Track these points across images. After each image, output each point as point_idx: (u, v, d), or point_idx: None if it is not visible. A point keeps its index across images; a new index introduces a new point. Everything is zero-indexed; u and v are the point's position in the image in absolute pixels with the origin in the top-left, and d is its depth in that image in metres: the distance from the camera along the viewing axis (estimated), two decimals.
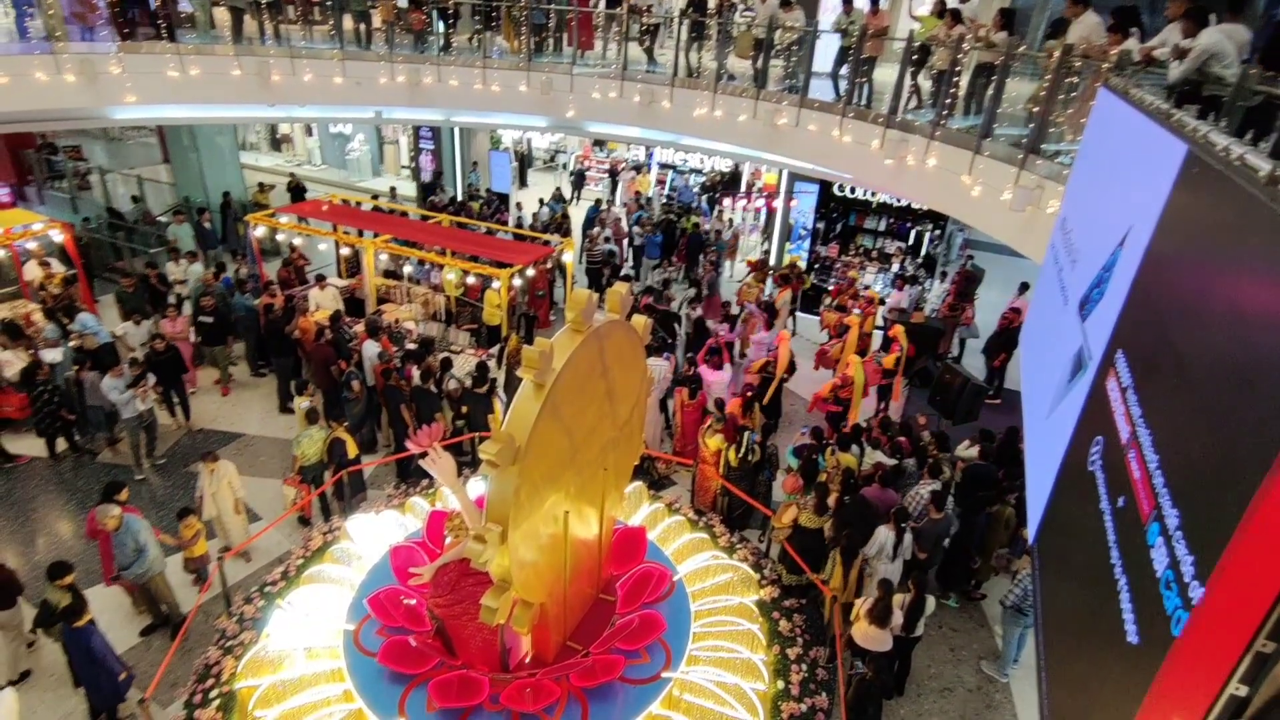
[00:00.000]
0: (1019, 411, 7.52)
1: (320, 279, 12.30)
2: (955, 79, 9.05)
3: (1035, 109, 7.74)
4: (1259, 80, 4.35)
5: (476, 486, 7.01)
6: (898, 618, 6.55)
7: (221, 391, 11.30)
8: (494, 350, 11.10)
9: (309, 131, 23.87)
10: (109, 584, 7.03)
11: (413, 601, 5.85)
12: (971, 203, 8.56)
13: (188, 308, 11.90)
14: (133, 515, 6.95)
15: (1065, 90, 7.42)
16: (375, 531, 6.93)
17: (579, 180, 21.63)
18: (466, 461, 9.34)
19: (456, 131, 19.63)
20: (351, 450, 8.40)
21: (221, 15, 12.44)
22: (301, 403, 9.14)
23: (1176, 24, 6.02)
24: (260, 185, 17.69)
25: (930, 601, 6.67)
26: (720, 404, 9.08)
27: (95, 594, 7.14)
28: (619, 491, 6.23)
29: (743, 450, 8.39)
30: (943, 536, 7.58)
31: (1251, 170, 2.77)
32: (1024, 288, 12.24)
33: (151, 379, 9.28)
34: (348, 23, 12.78)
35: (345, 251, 13.16)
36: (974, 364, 12.62)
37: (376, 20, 12.89)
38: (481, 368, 9.39)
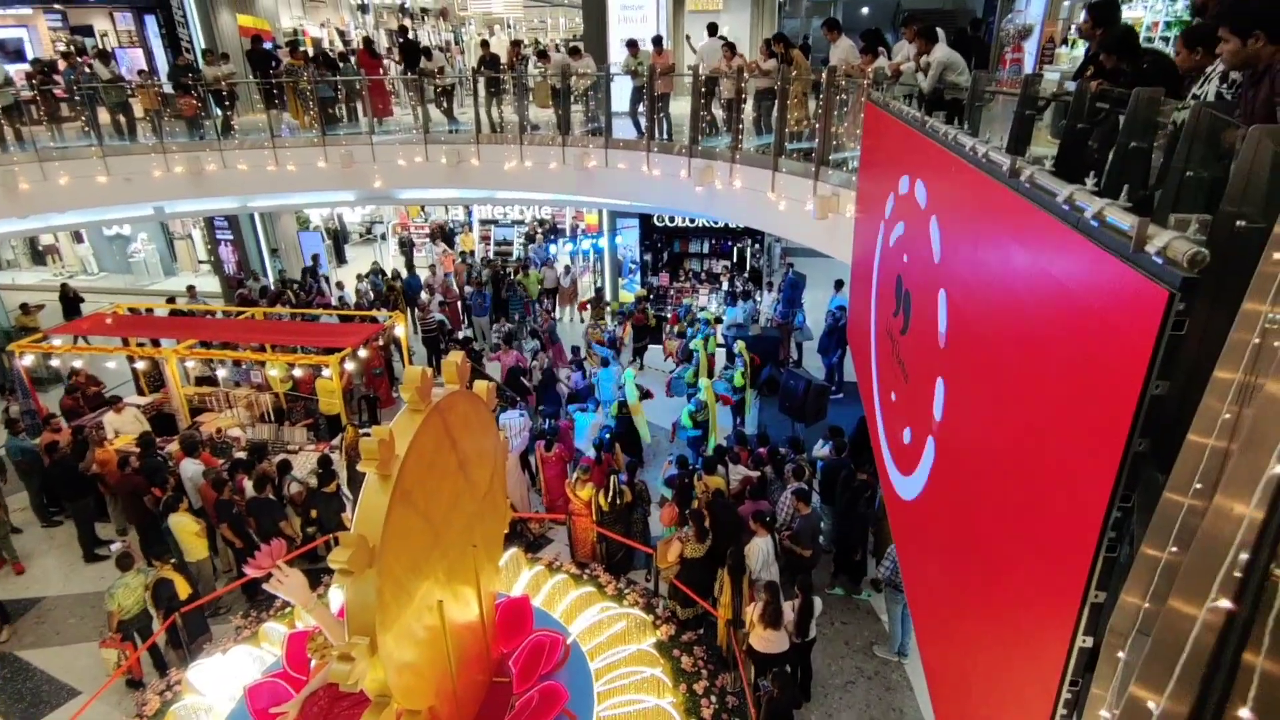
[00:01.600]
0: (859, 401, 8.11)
1: (115, 401, 11.02)
2: (742, 105, 9.75)
3: (816, 125, 8.49)
4: (987, 82, 5.03)
5: (339, 596, 6.48)
6: (789, 614, 6.75)
7: (15, 569, 9.49)
8: (335, 442, 10.42)
9: (78, 238, 21.54)
10: None
11: None
12: (780, 216, 9.20)
13: None
14: None
15: (838, 107, 8.20)
16: (226, 675, 6.19)
17: (409, 249, 21.03)
18: (325, 569, 8.63)
19: (257, 217, 18.50)
20: (182, 589, 7.50)
21: None
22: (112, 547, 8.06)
23: (914, 44, 6.87)
24: (23, 306, 15.65)
25: (817, 603, 6.93)
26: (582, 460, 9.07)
27: None
28: (493, 564, 6.00)
29: (611, 494, 8.38)
30: (816, 530, 7.94)
31: (995, 164, 3.17)
32: (839, 285, 13.26)
33: None
34: (104, 116, 11.72)
35: (141, 365, 11.88)
36: (813, 364, 13.46)
37: (138, 110, 11.92)
38: (325, 462, 8.78)
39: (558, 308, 16.88)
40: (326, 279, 16.94)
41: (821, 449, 9.25)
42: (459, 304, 15.83)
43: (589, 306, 14.87)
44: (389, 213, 23.21)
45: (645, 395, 11.23)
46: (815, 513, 7.91)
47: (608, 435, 9.55)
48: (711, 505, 7.94)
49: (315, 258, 18.70)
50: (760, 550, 7.43)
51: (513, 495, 9.08)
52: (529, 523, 9.70)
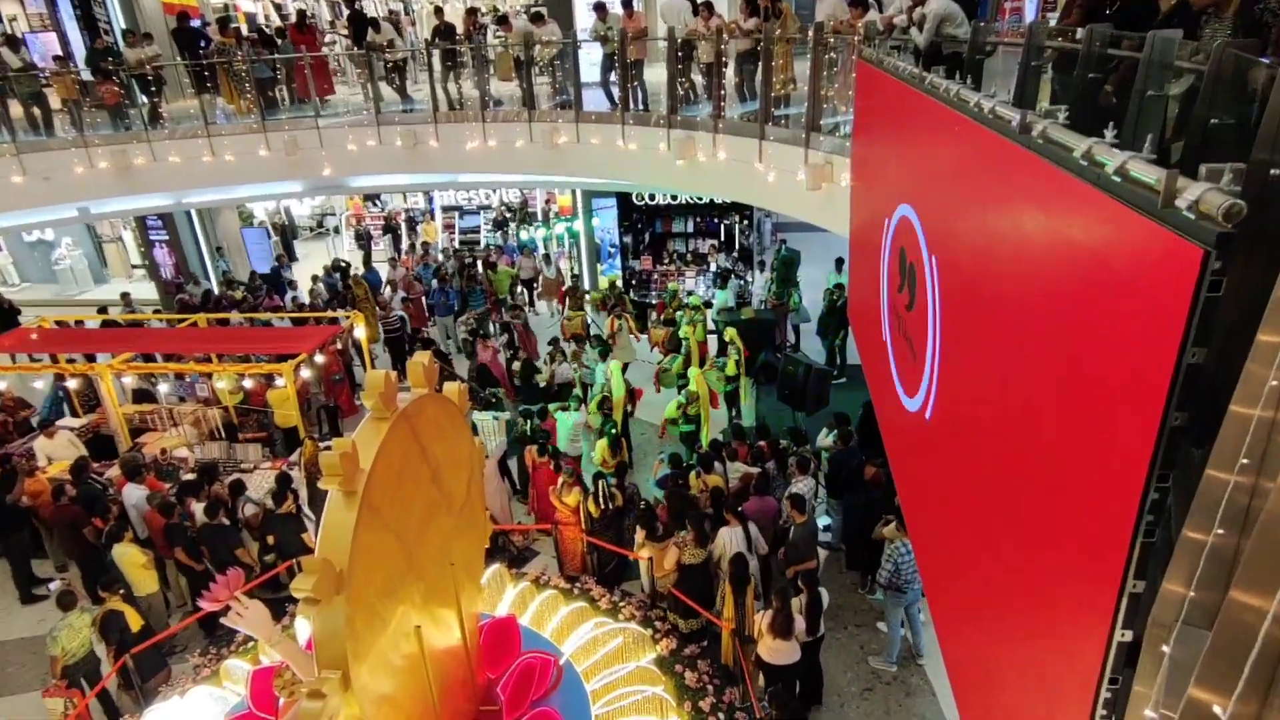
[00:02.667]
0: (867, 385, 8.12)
1: (45, 425, 10.84)
2: (723, 70, 9.72)
3: (804, 88, 8.47)
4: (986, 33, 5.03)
5: (305, 628, 6.41)
6: (800, 624, 6.77)
7: None
8: (293, 458, 10.33)
9: None
10: None
11: None
12: (769, 188, 9.19)
13: None
14: None
15: (827, 67, 8.18)
16: (185, 718, 6.11)
17: (366, 241, 20.85)
18: (289, 599, 8.55)
19: (194, 214, 18.25)
20: (134, 622, 7.39)
21: None
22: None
23: None
24: None
25: (824, 595, 6.98)
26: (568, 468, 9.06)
27: None
28: (475, 583, 5.96)
29: (601, 499, 8.36)
30: (814, 538, 7.96)
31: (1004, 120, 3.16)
32: (840, 264, 13.28)
33: None
34: (16, 109, 11.47)
35: (73, 384, 11.68)
36: (812, 347, 13.49)
37: (54, 100, 11.67)
38: (283, 481, 8.70)
39: (540, 301, 16.80)
40: (292, 283, 16.65)
41: (826, 439, 9.28)
42: (423, 300, 15.73)
43: (566, 297, 14.79)
44: (341, 204, 23.02)
45: (630, 395, 11.22)
46: (811, 520, 7.94)
47: (614, 431, 9.62)
48: (712, 504, 7.95)
49: (280, 259, 18.45)
50: (726, 541, 7.51)
51: (492, 506, 9.04)
52: (511, 535, 9.67)
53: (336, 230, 23.05)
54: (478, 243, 20.77)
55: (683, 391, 10.79)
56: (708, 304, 14.14)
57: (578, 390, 11.40)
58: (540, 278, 16.48)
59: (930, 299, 4.18)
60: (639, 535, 8.10)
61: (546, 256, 16.76)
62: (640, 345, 13.27)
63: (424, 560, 5.04)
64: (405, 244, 20.70)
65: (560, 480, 8.69)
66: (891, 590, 7.49)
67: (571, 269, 17.60)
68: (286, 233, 21.92)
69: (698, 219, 16.61)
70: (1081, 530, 2.40)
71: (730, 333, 11.57)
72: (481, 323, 14.27)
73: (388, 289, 15.71)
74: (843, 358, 13.04)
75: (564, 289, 15.19)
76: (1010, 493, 2.96)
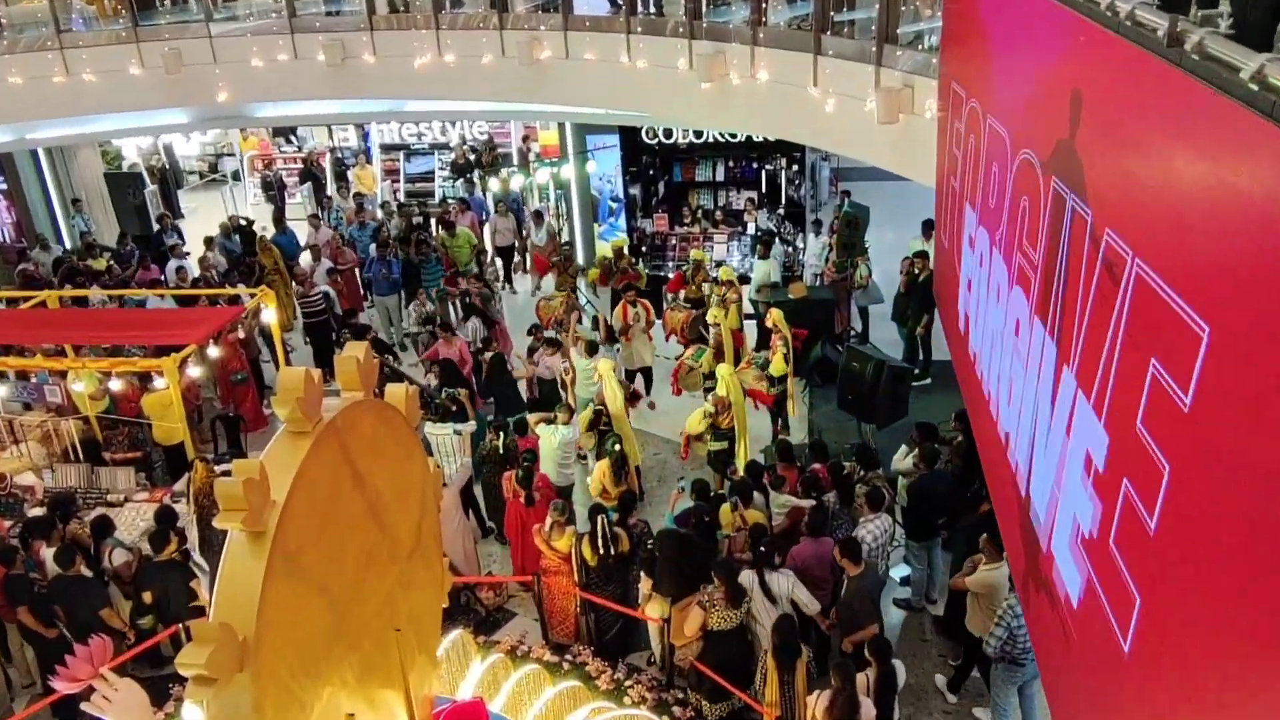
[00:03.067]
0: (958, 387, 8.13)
1: None
2: None
3: None
4: None
5: (197, 716, 6.47)
6: (868, 711, 6.81)
7: None
8: (179, 486, 10.41)
9: None
10: None
11: None
12: (827, 121, 9.21)
13: None
14: None
15: None
16: None
17: (278, 192, 20.89)
18: (174, 676, 8.63)
19: (42, 154, 18.34)
20: None
21: None
22: None
23: None
24: None
25: (900, 670, 7.03)
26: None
27: None
28: (428, 656, 5.99)
29: (600, 542, 8.42)
30: (874, 595, 7.96)
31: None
32: (929, 228, 13.22)
33: None
34: None
35: None
36: (884, 337, 13.51)
37: None
38: (164, 517, 8.75)
39: (524, 275, 16.86)
40: (176, 249, 16.52)
41: (904, 460, 9.32)
42: (357, 273, 15.77)
43: (556, 271, 14.81)
44: (241, 141, 23.09)
45: (633, 397, 11.25)
46: (872, 572, 7.96)
47: (617, 447, 9.62)
48: (752, 547, 7.96)
49: (162, 218, 18.42)
50: (748, 586, 7.59)
51: (452, 551, 9.09)
52: (479, 590, 9.70)
53: (236, 177, 23.12)
54: (431, 195, 20.82)
55: (710, 397, 10.81)
56: (744, 279, 14.15)
57: (573, 399, 11.38)
58: (528, 246, 16.48)
59: (1066, 284, 4.18)
60: (643, 585, 8.12)
61: (538, 214, 16.75)
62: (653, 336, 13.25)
63: (359, 625, 5.08)
64: (332, 197, 20.74)
65: (550, 519, 8.74)
66: (1007, 664, 7.51)
67: (559, 232, 17.50)
68: (168, 181, 22.03)
69: (730, 164, 16.62)
70: None
71: (775, 317, 11.57)
72: (440, 306, 14.27)
73: (308, 257, 15.76)
74: (926, 351, 13.06)
75: (554, 262, 15.15)
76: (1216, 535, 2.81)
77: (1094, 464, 3.72)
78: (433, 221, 17.75)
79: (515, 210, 17.28)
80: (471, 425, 10.59)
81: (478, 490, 10.65)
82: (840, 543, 7.91)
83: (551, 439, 10.17)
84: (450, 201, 18.83)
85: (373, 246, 15.77)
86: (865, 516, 8.46)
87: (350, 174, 21.41)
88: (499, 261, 16.88)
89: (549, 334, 12.75)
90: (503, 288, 16.83)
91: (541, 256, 15.78)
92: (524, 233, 16.88)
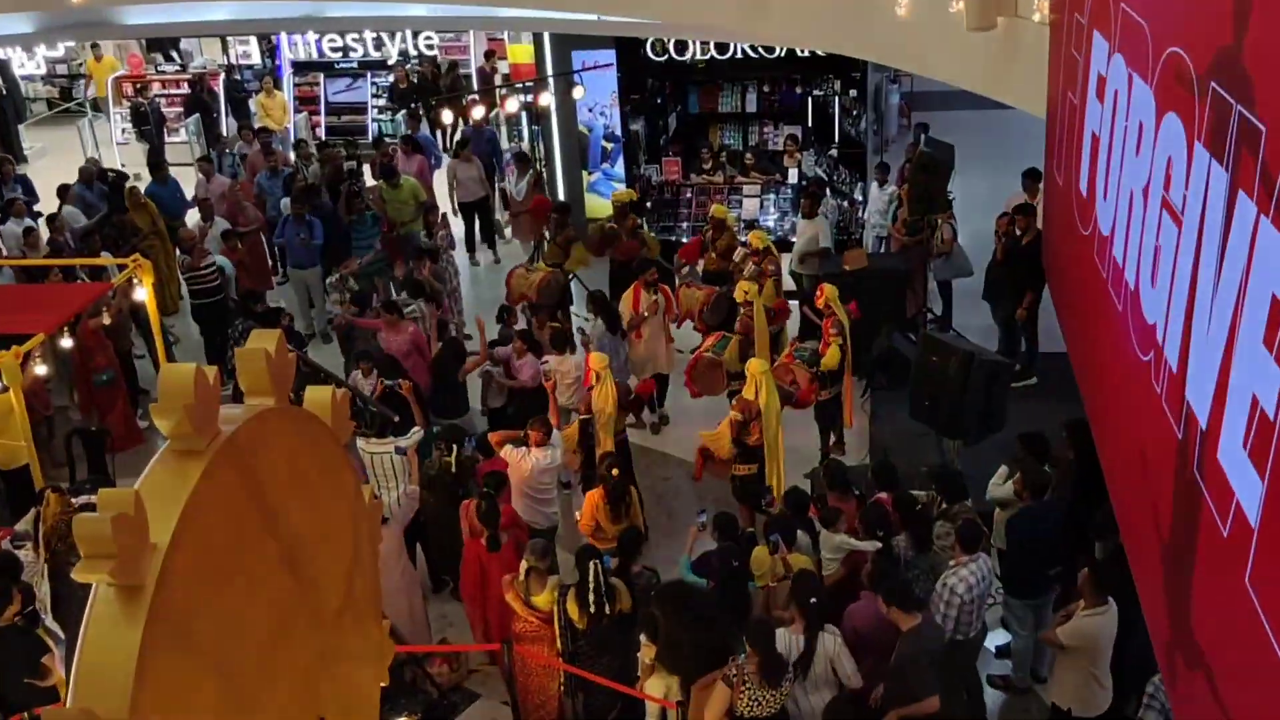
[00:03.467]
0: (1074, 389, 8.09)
1: None
2: None
3: None
4: None
5: None
6: None
7: None
8: (22, 525, 10.49)
9: None
10: None
11: None
12: (898, 29, 9.23)
13: None
14: None
15: None
16: None
17: (155, 127, 20.90)
18: None
19: None
20: None
21: None
22: None
23: None
24: None
25: None
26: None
27: None
28: None
29: (591, 596, 8.45)
30: (928, 667, 7.89)
31: None
32: (1033, 179, 13.16)
33: None
34: None
35: None
36: (973, 322, 13.54)
37: None
38: (3, 568, 8.83)
39: (505, 243, 16.99)
40: (17, 205, 16.59)
41: (1001, 487, 9.34)
42: (263, 238, 15.82)
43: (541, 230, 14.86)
44: (107, 56, 23.14)
45: (635, 404, 11.27)
46: (928, 628, 7.92)
47: (614, 471, 9.76)
48: (800, 605, 7.97)
49: (2, 162, 18.53)
50: (785, 648, 7.62)
51: (395, 611, 9.02)
52: (431, 664, 9.73)
53: (97, 107, 23.18)
54: (362, 132, 20.87)
55: (735, 401, 10.84)
56: (783, 243, 14.18)
57: (554, 413, 11.40)
58: (507, 202, 16.57)
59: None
60: (644, 653, 8.18)
61: (522, 157, 16.77)
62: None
63: (270, 715, 5.16)
64: (227, 133, 20.77)
65: (525, 567, 8.78)
66: None
67: (539, 179, 17.46)
68: (5, 112, 22.12)
69: (765, 89, 16.56)
70: None
71: (828, 294, 11.60)
72: (374, 277, 14.26)
73: (196, 216, 15.84)
74: (1030, 340, 13.07)
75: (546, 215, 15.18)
76: None
77: None
78: (366, 169, 17.74)
79: (491, 151, 17.20)
80: (418, 435, 10.61)
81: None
82: (886, 592, 7.84)
83: (522, 465, 10.14)
84: (390, 141, 18.87)
85: (285, 202, 15.80)
86: (958, 561, 8.36)
87: (253, 103, 21.48)
88: (455, 222, 16.93)
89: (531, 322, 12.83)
90: (474, 263, 16.99)
91: (532, 213, 15.83)
92: (495, 182, 16.94)
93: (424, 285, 13.59)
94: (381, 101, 21.00)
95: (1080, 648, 7.79)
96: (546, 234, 15.22)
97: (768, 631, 7.74)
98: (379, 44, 21.25)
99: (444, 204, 16.76)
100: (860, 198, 15.94)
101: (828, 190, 14.98)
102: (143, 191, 15.82)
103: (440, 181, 17.41)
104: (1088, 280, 7.31)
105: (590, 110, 16.95)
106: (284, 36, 21.18)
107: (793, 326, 13.37)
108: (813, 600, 7.94)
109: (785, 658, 7.72)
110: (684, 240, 15.30)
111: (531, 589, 8.71)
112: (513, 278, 13.82)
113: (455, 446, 10.25)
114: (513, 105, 18.51)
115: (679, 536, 10.45)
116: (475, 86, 20.31)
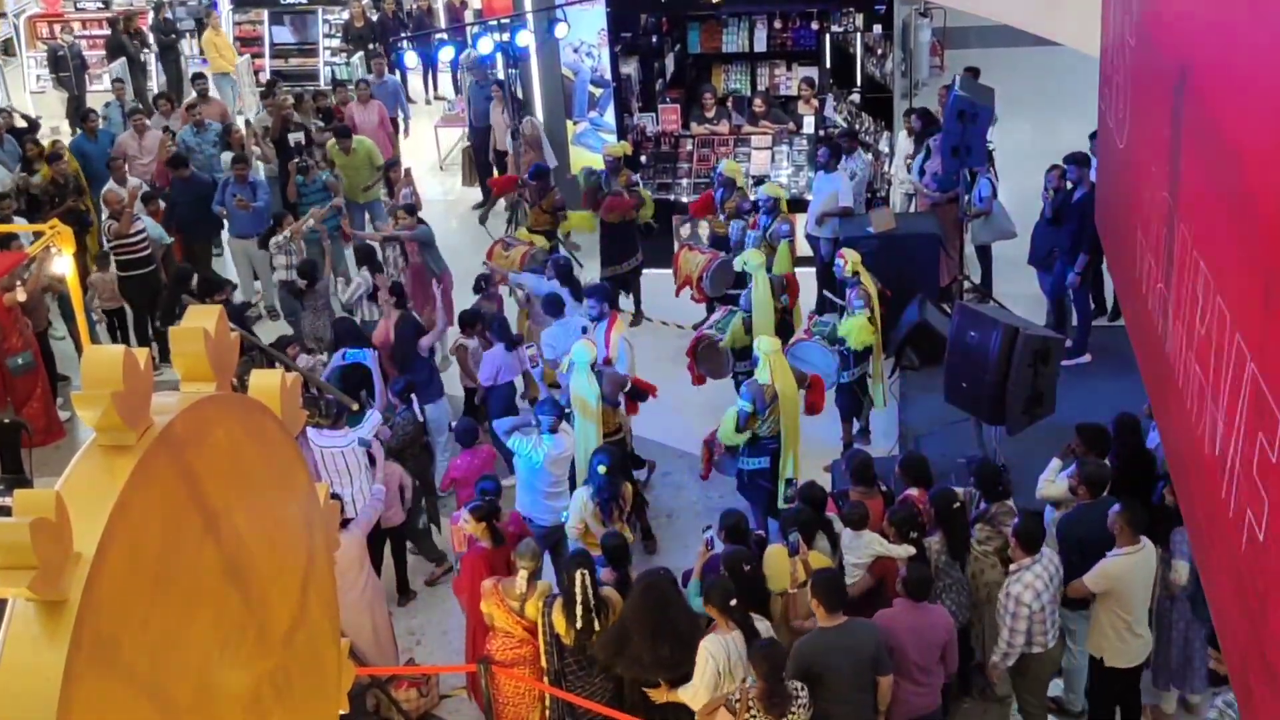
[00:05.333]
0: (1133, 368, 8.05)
1: None
2: None
3: None
4: None
5: None
6: None
7: None
8: None
9: None
10: None
11: None
12: None
13: None
14: None
15: None
16: None
17: (75, 75, 20.75)
18: None
19: None
20: None
21: None
22: None
23: None
24: None
25: None
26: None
27: None
28: None
29: (580, 610, 8.34)
30: None
31: None
32: (1091, 141, 13.02)
33: None
34: None
35: None
36: (1019, 291, 13.47)
37: None
38: None
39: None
40: None
41: (1053, 483, 9.30)
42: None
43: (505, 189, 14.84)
44: None
45: (636, 394, 11.21)
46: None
47: (601, 468, 9.69)
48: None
49: None
50: (713, 658, 7.66)
51: (355, 628, 9.10)
52: (396, 689, 9.71)
53: (8, 50, 23.11)
54: (313, 77, 20.80)
55: (746, 386, 10.73)
56: (798, 204, 14.09)
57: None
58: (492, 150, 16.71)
59: None
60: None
61: (516, 100, 16.61)
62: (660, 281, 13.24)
63: None
64: (155, 80, 20.62)
65: (521, 570, 8.67)
66: None
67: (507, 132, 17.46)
68: None
69: (776, 25, 16.48)
70: None
71: (852, 261, 11.55)
72: (316, 269, 14.18)
73: (123, 173, 15.64)
74: (1083, 313, 13.05)
75: (499, 178, 15.18)
76: None
77: None
78: (318, 120, 17.65)
79: (485, 95, 17.20)
80: (375, 421, 10.62)
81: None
82: (910, 573, 8.00)
83: (533, 456, 10.18)
84: (346, 86, 18.77)
85: (224, 157, 15.71)
86: (1020, 564, 8.28)
87: (191, 44, 21.38)
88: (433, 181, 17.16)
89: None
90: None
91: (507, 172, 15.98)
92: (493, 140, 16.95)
93: (373, 252, 13.71)
94: (335, 43, 20.87)
95: (1111, 591, 7.92)
96: (525, 202, 15.17)
97: (775, 657, 7.63)
98: None
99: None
100: (887, 150, 15.84)
101: (852, 144, 14.70)
102: (65, 145, 15.71)
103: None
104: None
105: (575, 51, 16.77)
106: None
107: (808, 299, 13.32)
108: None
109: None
110: (684, 200, 15.25)
111: (529, 602, 8.62)
112: (492, 256, 13.84)
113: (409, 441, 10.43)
114: (485, 46, 18.30)
115: (679, 536, 10.45)
116: (441, 23, 20.25)
